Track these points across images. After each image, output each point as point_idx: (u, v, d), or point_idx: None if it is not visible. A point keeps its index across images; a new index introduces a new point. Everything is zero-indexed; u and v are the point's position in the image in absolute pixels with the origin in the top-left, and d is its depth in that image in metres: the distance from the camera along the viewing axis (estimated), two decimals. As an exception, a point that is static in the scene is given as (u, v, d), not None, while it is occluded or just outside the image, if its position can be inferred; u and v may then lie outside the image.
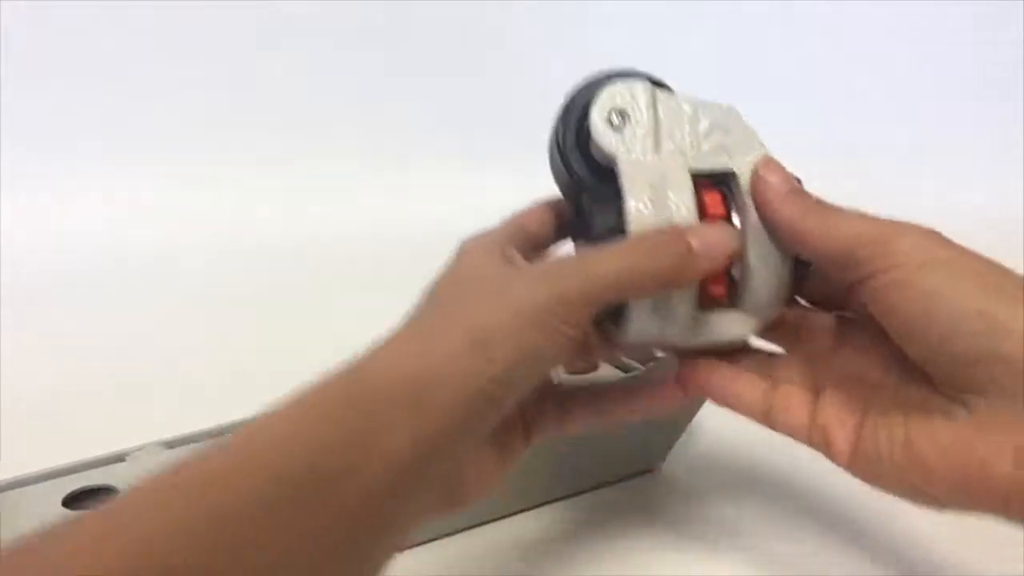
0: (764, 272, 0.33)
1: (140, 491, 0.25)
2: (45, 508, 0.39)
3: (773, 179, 0.33)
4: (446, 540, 0.44)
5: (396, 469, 0.27)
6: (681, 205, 0.32)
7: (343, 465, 0.26)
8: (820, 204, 0.33)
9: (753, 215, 0.33)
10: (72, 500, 0.40)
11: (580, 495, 0.47)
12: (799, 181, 0.34)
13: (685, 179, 0.33)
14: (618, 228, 0.32)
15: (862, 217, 0.32)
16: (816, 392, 0.34)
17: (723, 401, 0.36)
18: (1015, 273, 0.31)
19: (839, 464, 0.33)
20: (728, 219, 0.34)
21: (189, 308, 0.81)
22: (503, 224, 0.37)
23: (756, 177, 0.34)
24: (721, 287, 0.33)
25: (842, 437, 0.33)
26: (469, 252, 0.35)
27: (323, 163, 1.08)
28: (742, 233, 0.33)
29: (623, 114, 0.33)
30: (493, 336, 0.30)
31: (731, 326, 0.34)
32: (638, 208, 0.32)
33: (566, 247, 0.38)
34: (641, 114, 0.33)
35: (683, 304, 0.33)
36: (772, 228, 0.33)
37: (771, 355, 0.36)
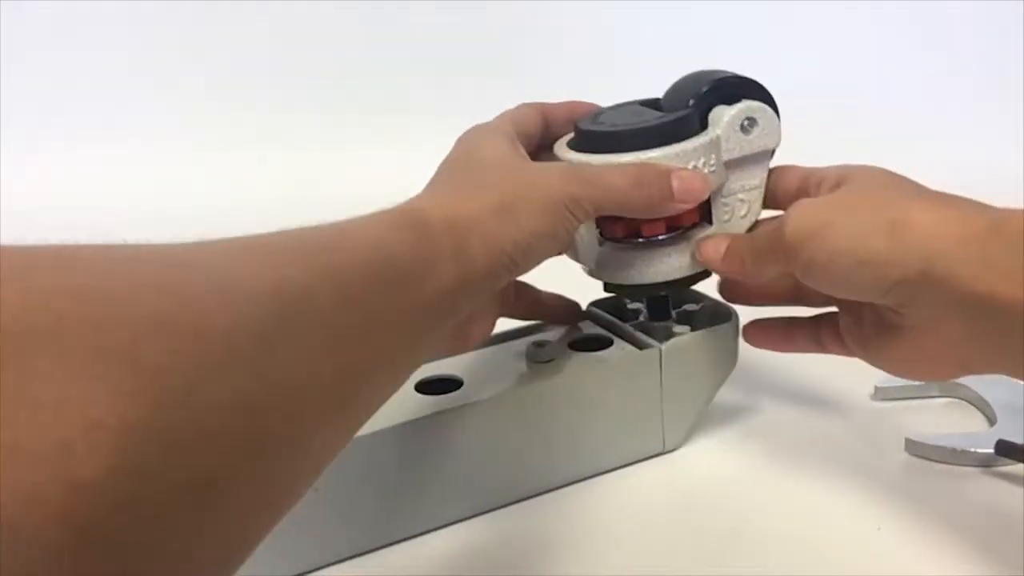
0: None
1: (244, 243, 0.26)
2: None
3: (708, 253, 0.43)
4: (469, 522, 0.44)
5: (441, 295, 0.31)
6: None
7: (412, 273, 0.30)
8: (745, 242, 0.42)
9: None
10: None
11: (599, 477, 0.47)
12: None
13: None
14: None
15: (764, 228, 0.41)
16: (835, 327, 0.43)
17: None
18: (897, 193, 0.37)
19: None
20: None
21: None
22: (503, 120, 0.42)
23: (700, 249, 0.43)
24: (660, 227, 0.43)
25: (858, 352, 0.42)
26: (480, 139, 0.40)
27: (325, 129, 1.08)
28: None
29: (753, 122, 0.43)
30: (519, 206, 0.35)
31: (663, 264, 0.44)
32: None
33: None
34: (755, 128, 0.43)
35: (589, 234, 0.44)
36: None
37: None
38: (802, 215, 0.38)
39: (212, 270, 0.23)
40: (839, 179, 0.40)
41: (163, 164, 1.05)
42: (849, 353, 0.43)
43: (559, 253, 0.40)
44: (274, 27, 1.10)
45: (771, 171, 0.45)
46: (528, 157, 0.41)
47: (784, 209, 0.41)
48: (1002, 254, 0.31)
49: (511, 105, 0.44)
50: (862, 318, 0.41)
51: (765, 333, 0.47)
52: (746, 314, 0.48)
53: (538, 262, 0.37)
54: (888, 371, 0.41)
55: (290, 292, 0.24)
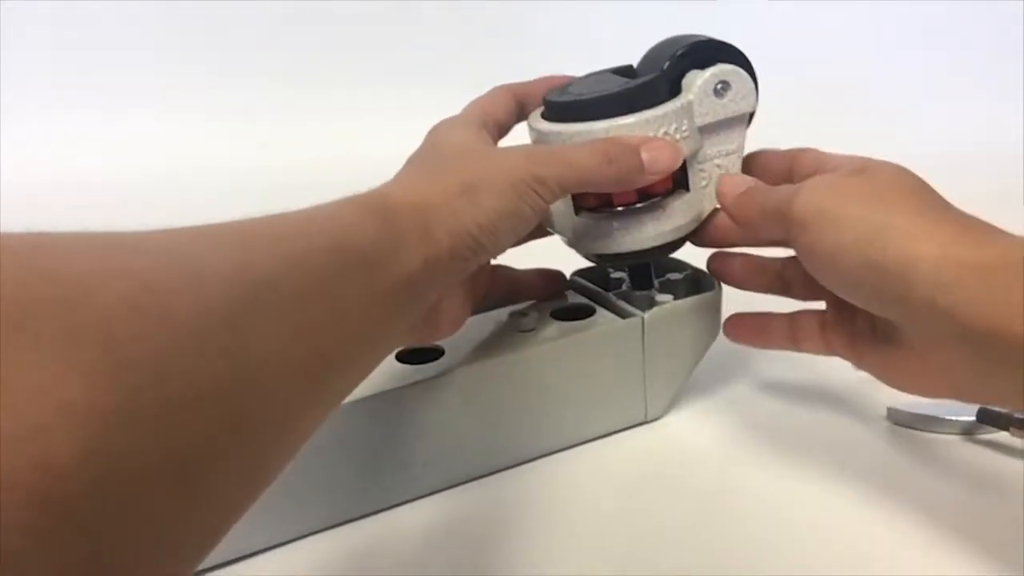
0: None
1: (212, 231, 0.25)
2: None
3: (724, 188, 0.42)
4: (449, 492, 0.44)
5: (408, 279, 0.31)
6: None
7: (377, 259, 0.30)
8: (761, 194, 0.40)
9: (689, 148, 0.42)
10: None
11: (581, 446, 0.47)
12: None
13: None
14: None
15: (784, 188, 0.38)
16: (822, 321, 0.43)
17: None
18: (908, 203, 0.35)
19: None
20: None
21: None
22: (469, 109, 0.43)
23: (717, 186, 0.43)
24: (632, 196, 0.42)
25: (842, 352, 0.42)
26: (448, 129, 0.40)
27: (324, 88, 1.07)
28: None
29: (727, 85, 0.42)
30: (481, 187, 0.35)
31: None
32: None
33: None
34: (729, 92, 0.42)
35: (565, 204, 0.44)
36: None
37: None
38: (814, 191, 0.36)
39: (179, 256, 0.23)
40: (860, 168, 0.38)
41: (175, 135, 1.04)
42: (829, 352, 0.42)
43: (528, 232, 0.40)
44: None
45: (788, 153, 0.44)
46: (494, 143, 0.41)
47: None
48: (1011, 288, 0.30)
49: (524, 77, 0.45)
50: (855, 319, 0.40)
51: (740, 327, 0.46)
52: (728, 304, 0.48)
53: (507, 244, 0.37)
54: (873, 375, 0.40)
55: (254, 279, 0.24)
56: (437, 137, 0.40)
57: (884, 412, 0.48)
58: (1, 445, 0.16)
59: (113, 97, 1.06)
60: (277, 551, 0.40)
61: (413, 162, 0.39)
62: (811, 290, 0.43)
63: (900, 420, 0.47)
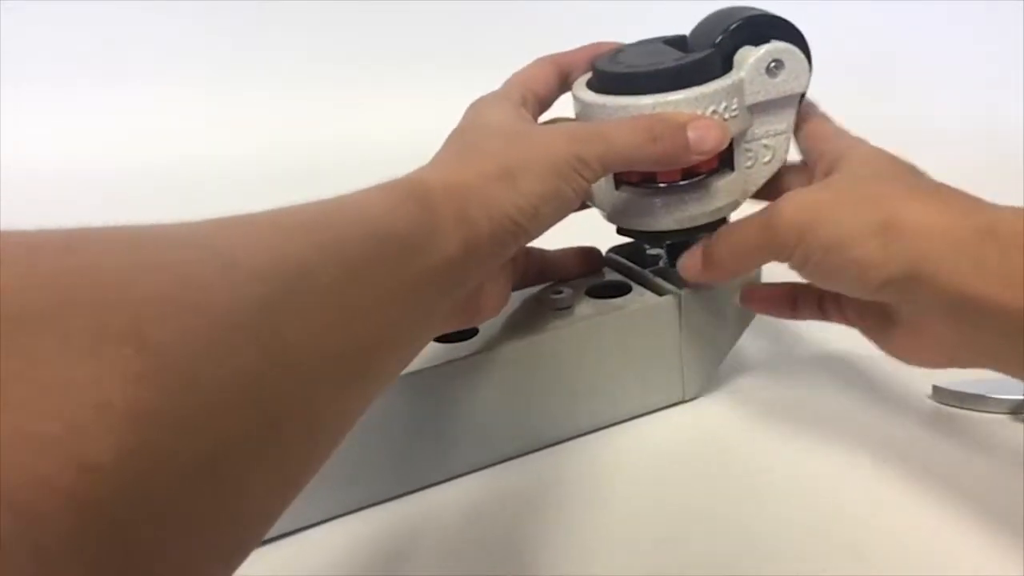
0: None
1: (244, 221, 0.25)
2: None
3: (687, 262, 0.42)
4: (484, 472, 0.43)
5: (449, 263, 0.30)
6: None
7: (415, 244, 0.29)
8: (724, 245, 0.40)
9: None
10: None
11: (617, 425, 0.46)
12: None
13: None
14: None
15: (750, 224, 0.38)
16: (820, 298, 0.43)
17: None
18: (890, 186, 0.36)
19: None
20: None
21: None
22: (509, 85, 0.42)
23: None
24: (676, 174, 0.41)
25: (845, 322, 0.42)
26: (486, 107, 0.40)
27: (327, 72, 1.06)
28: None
29: (780, 64, 0.40)
30: (520, 170, 0.34)
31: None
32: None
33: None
34: (782, 71, 0.41)
35: (605, 178, 0.42)
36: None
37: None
38: (795, 209, 0.36)
39: (211, 248, 0.22)
40: (834, 161, 0.39)
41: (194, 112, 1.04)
42: (853, 324, 0.42)
43: (569, 213, 0.39)
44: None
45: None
46: (533, 121, 0.40)
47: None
48: (994, 257, 0.31)
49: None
50: (847, 299, 0.41)
51: (767, 299, 0.46)
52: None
53: (549, 225, 0.36)
54: (887, 352, 0.40)
55: (290, 269, 0.23)
56: (475, 117, 0.39)
57: (929, 391, 0.46)
58: (35, 446, 0.15)
59: (133, 85, 1.06)
60: (311, 531, 0.40)
61: (450, 143, 0.38)
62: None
63: (945, 399, 0.46)
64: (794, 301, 0.44)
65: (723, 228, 0.42)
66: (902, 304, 0.36)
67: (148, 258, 0.20)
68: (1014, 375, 0.33)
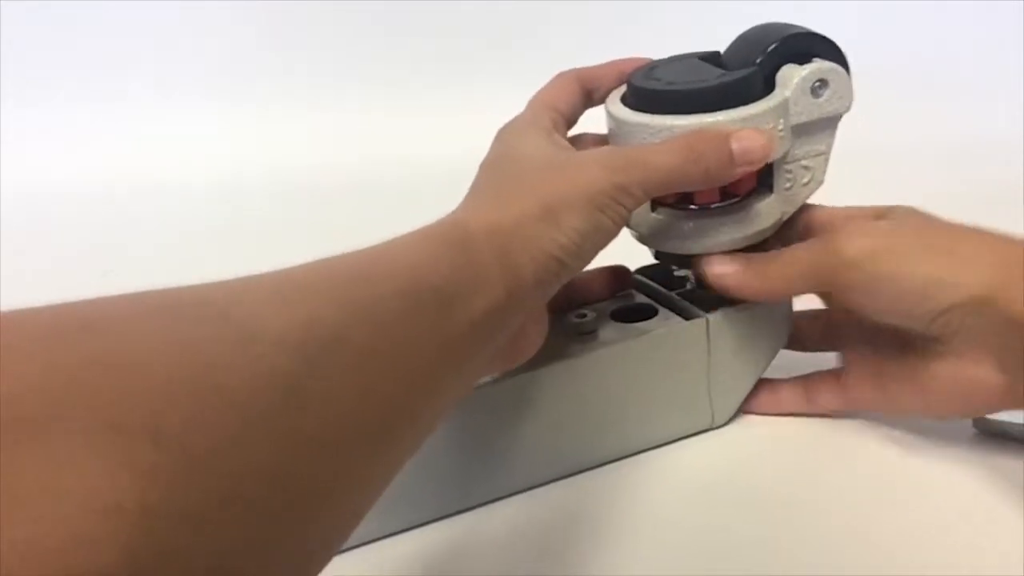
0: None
1: (271, 280, 0.24)
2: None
3: (718, 268, 0.42)
4: (508, 500, 0.42)
5: (490, 311, 0.30)
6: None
7: (456, 294, 0.28)
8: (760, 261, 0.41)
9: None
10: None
11: (644, 453, 0.45)
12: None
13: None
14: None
15: (809, 248, 0.40)
16: (838, 376, 0.44)
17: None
18: (943, 226, 0.38)
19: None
20: None
21: (194, 243, 0.79)
22: (535, 108, 0.41)
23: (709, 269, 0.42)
24: (714, 195, 0.40)
25: (869, 397, 0.43)
26: (518, 137, 0.38)
27: (333, 91, 1.07)
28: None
29: (824, 84, 0.40)
30: (561, 206, 0.33)
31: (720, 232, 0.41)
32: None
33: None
34: (826, 91, 0.40)
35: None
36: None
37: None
38: (860, 236, 0.38)
39: (237, 319, 0.22)
40: (878, 215, 0.41)
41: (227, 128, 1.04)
42: (847, 406, 0.44)
43: (610, 243, 0.38)
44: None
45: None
46: (568, 146, 0.39)
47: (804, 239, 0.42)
48: None
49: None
50: (880, 351, 0.41)
51: (750, 400, 0.46)
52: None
53: (591, 259, 0.35)
54: (904, 408, 0.42)
55: (320, 335, 0.23)
56: (507, 148, 0.38)
57: (970, 420, 0.45)
58: (44, 557, 0.15)
59: (114, 99, 1.07)
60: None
61: (486, 178, 0.37)
62: (825, 340, 0.46)
63: (988, 428, 0.44)
64: (811, 392, 0.45)
65: (777, 250, 0.42)
66: (959, 334, 0.36)
67: (171, 335, 0.20)
68: None
